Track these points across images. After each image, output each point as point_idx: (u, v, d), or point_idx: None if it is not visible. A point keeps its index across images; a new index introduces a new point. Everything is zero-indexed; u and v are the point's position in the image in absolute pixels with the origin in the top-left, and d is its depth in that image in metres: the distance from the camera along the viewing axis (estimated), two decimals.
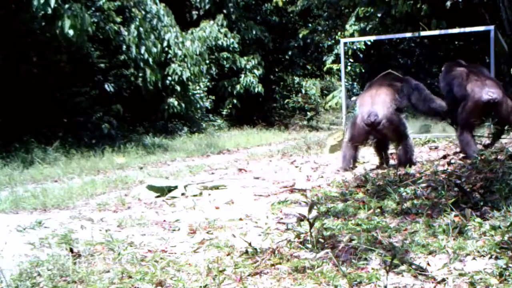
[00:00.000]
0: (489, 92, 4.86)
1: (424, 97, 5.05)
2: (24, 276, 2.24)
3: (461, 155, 5.36)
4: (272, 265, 2.25)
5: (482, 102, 4.88)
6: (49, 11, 7.50)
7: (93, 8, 9.98)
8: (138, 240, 2.81)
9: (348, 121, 6.55)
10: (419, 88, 5.10)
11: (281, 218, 3.23)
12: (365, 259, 2.25)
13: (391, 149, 5.47)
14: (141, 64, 10.88)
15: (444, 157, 5.25)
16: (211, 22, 14.81)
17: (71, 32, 7.76)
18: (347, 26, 12.27)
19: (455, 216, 2.80)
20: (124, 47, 10.76)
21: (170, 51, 11.96)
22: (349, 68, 14.17)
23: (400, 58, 15.46)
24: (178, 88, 12.05)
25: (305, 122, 18.05)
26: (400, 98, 4.98)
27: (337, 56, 13.84)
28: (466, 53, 12.31)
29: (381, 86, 5.13)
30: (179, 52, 12.03)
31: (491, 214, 2.77)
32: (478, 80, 5.01)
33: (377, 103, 4.93)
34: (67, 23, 7.70)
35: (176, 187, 4.34)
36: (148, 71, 10.89)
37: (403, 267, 2.09)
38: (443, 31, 8.75)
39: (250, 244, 2.44)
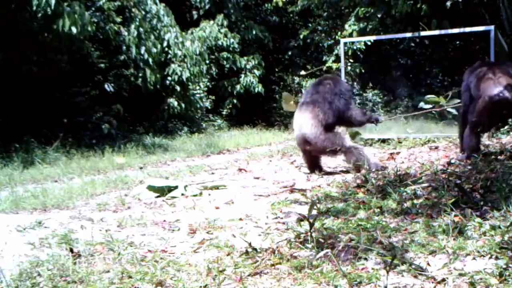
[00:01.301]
0: (500, 91, 4.80)
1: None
2: (24, 276, 2.24)
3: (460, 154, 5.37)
4: (272, 265, 2.25)
5: (493, 101, 4.82)
6: (49, 11, 7.50)
7: (93, 8, 9.97)
8: (138, 240, 2.81)
9: None
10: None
11: (281, 218, 3.23)
12: (365, 259, 2.25)
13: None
14: (141, 64, 10.88)
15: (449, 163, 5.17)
16: (211, 22, 14.81)
17: (74, 29, 7.75)
18: (347, 26, 12.27)
19: (455, 216, 2.80)
20: (124, 47, 10.76)
21: (170, 51, 11.95)
22: (349, 68, 14.17)
23: (400, 58, 15.47)
24: (178, 88, 12.04)
25: None
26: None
27: (337, 56, 13.85)
28: (466, 53, 12.31)
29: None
30: (179, 52, 12.03)
31: (491, 214, 2.78)
32: (493, 78, 4.94)
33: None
34: (68, 21, 7.70)
35: (176, 187, 4.34)
36: (148, 71, 10.89)
37: (403, 267, 2.09)
38: (443, 31, 8.75)
39: (250, 244, 2.44)
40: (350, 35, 12.01)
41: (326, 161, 6.01)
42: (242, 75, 15.49)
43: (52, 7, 7.48)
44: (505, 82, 4.87)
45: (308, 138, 5.06)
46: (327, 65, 14.93)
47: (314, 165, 5.44)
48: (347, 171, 5.20)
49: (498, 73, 4.98)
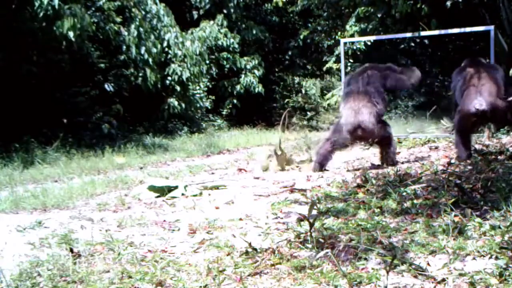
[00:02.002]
0: (477, 103, 4.90)
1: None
2: (24, 276, 2.24)
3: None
4: (272, 265, 2.25)
5: (470, 113, 4.97)
6: (50, 11, 7.50)
7: (93, 8, 9.98)
8: (138, 240, 2.80)
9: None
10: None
11: (281, 218, 3.23)
12: (365, 259, 2.25)
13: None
14: (141, 64, 10.88)
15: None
16: (211, 22, 14.81)
17: (70, 33, 7.76)
18: (347, 27, 12.26)
19: (455, 216, 2.80)
20: (124, 47, 10.76)
21: (170, 51, 11.95)
22: (349, 68, 14.17)
23: (400, 58, 15.46)
24: (178, 88, 12.04)
25: (305, 122, 18.04)
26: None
27: (338, 56, 13.85)
28: (466, 53, 12.30)
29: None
30: (179, 52, 12.03)
31: (491, 214, 2.78)
32: (476, 86, 5.03)
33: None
34: (66, 24, 7.71)
35: (176, 187, 4.34)
36: (148, 71, 10.89)
37: (403, 267, 2.09)
38: (443, 31, 8.74)
39: (250, 244, 2.44)
40: (351, 36, 12.01)
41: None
42: (242, 75, 15.49)
43: (56, 8, 7.48)
44: (487, 92, 4.94)
45: (364, 125, 5.28)
46: (327, 65, 14.94)
47: (327, 159, 5.59)
48: (358, 169, 5.30)
49: (483, 79, 5.05)
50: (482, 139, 7.03)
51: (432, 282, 1.96)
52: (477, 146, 6.03)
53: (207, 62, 14.03)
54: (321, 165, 5.50)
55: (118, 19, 10.51)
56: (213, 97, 14.78)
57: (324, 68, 15.68)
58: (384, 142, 5.49)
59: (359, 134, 5.38)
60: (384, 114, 5.64)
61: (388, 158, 5.48)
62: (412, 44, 14.72)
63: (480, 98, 4.91)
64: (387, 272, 1.93)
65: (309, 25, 16.84)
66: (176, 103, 12.00)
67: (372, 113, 5.30)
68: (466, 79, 5.14)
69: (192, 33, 13.81)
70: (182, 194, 4.26)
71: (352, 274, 2.05)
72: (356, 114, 5.31)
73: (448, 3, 9.44)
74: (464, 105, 5.03)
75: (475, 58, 5.69)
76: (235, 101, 15.48)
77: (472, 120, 5.08)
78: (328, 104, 15.71)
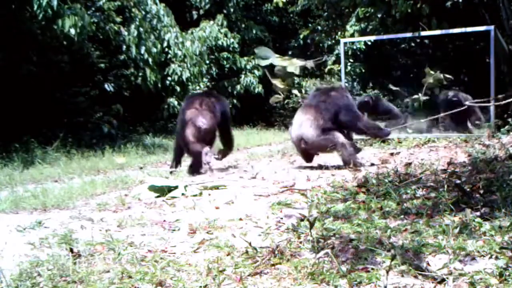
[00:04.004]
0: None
1: None
2: (24, 276, 2.24)
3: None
4: (272, 265, 2.25)
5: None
6: (49, 12, 7.50)
7: (93, 8, 9.97)
8: (138, 240, 2.80)
9: None
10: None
11: (281, 218, 3.23)
12: (365, 259, 2.25)
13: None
14: (141, 64, 10.88)
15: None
16: (211, 22, 14.81)
17: (72, 31, 7.76)
18: (348, 27, 12.27)
19: (455, 216, 2.80)
20: (124, 47, 10.76)
21: (170, 51, 11.95)
22: (349, 68, 14.17)
23: (401, 58, 15.45)
24: (178, 88, 12.05)
25: None
26: None
27: (338, 57, 13.85)
28: (466, 53, 12.31)
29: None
30: (179, 52, 12.03)
31: (491, 214, 2.78)
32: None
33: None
34: (68, 22, 7.71)
35: (176, 187, 4.34)
36: (148, 71, 10.89)
37: (403, 267, 2.09)
38: (443, 31, 8.77)
39: (250, 244, 2.44)
40: (352, 36, 12.01)
41: (326, 160, 6.02)
42: (242, 75, 15.50)
43: (55, 8, 7.48)
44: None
45: (305, 138, 5.71)
46: (328, 67, 14.93)
47: (309, 159, 6.13)
48: (340, 168, 5.57)
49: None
50: (482, 139, 7.03)
51: (432, 282, 1.96)
52: (477, 146, 6.03)
53: (207, 62, 14.03)
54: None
55: (118, 19, 10.50)
56: None
57: (326, 70, 15.68)
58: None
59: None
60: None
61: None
62: (412, 44, 14.71)
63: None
64: (387, 272, 1.93)
65: (309, 25, 16.84)
66: (176, 103, 12.00)
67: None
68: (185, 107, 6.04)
69: (192, 33, 13.81)
70: (182, 194, 4.26)
71: (352, 274, 2.05)
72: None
73: (448, 3, 9.45)
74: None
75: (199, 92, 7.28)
76: (235, 101, 15.48)
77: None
78: None
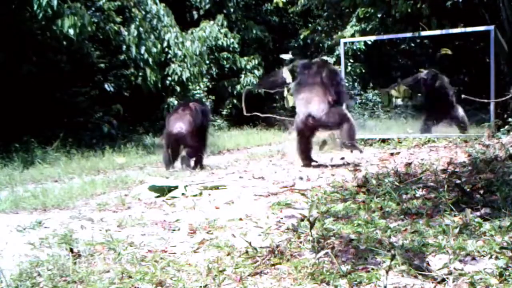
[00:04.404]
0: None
1: None
2: (24, 276, 2.24)
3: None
4: (272, 265, 2.25)
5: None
6: (49, 11, 7.50)
7: (93, 8, 9.98)
8: (138, 240, 2.80)
9: None
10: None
11: (281, 218, 3.23)
12: (365, 259, 2.25)
13: None
14: (141, 64, 10.88)
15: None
16: (211, 22, 14.80)
17: (71, 31, 7.77)
18: (349, 27, 12.25)
19: (455, 216, 2.80)
20: (124, 47, 10.76)
21: (170, 51, 11.95)
22: (349, 68, 14.17)
23: (401, 58, 15.45)
24: (178, 88, 12.04)
25: None
26: None
27: (338, 57, 13.84)
28: (466, 53, 12.30)
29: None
30: (179, 52, 12.03)
31: (491, 214, 2.78)
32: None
33: None
34: (67, 22, 7.71)
35: (176, 187, 4.34)
36: (148, 71, 10.89)
37: (403, 267, 2.09)
38: (443, 31, 8.76)
39: (250, 244, 2.44)
40: (352, 36, 12.00)
41: (326, 160, 6.02)
42: (242, 75, 15.49)
43: (55, 8, 7.48)
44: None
45: (314, 114, 5.81)
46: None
47: (307, 151, 6.21)
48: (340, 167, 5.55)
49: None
50: (482, 139, 7.03)
51: (432, 282, 1.96)
52: (477, 146, 6.03)
53: (207, 62, 14.02)
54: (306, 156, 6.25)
55: (118, 19, 10.50)
56: (213, 97, 14.77)
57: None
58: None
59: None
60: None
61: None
62: (412, 44, 14.71)
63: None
64: (387, 272, 1.93)
65: (309, 25, 16.83)
66: (176, 103, 11.99)
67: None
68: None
69: (192, 33, 13.81)
70: (182, 194, 4.26)
71: (352, 274, 2.05)
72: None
73: (448, 3, 9.44)
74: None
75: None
76: (235, 101, 15.47)
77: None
78: None
